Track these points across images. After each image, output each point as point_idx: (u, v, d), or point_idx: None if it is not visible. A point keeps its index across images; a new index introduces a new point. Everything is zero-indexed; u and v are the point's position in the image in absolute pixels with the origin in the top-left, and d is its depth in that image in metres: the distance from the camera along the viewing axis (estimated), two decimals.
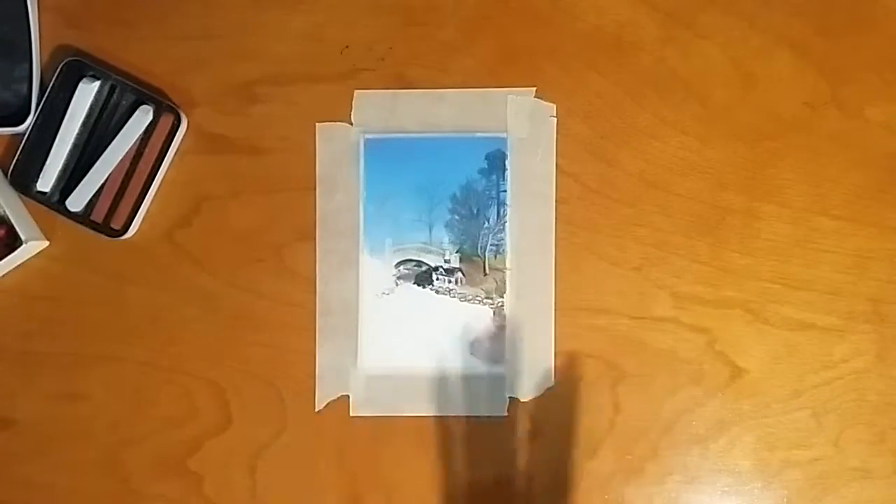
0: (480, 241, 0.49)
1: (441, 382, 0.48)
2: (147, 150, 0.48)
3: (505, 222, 0.49)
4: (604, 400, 0.49)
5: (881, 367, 0.49)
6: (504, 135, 0.49)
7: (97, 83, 0.48)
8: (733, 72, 0.49)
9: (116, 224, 0.48)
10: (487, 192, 0.49)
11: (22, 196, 0.48)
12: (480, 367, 0.48)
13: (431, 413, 0.48)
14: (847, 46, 0.49)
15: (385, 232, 0.49)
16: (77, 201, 0.48)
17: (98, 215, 0.48)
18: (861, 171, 0.49)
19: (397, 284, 0.49)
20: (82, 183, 0.47)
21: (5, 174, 0.48)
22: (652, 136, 0.49)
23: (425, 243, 0.49)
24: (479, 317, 0.48)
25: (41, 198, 0.48)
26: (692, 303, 0.49)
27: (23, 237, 0.46)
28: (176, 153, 0.49)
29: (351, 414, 0.48)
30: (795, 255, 0.49)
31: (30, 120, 0.47)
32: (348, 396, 0.48)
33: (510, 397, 0.49)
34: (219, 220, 0.49)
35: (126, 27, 0.49)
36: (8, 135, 0.48)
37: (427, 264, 0.49)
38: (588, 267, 0.49)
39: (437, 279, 0.49)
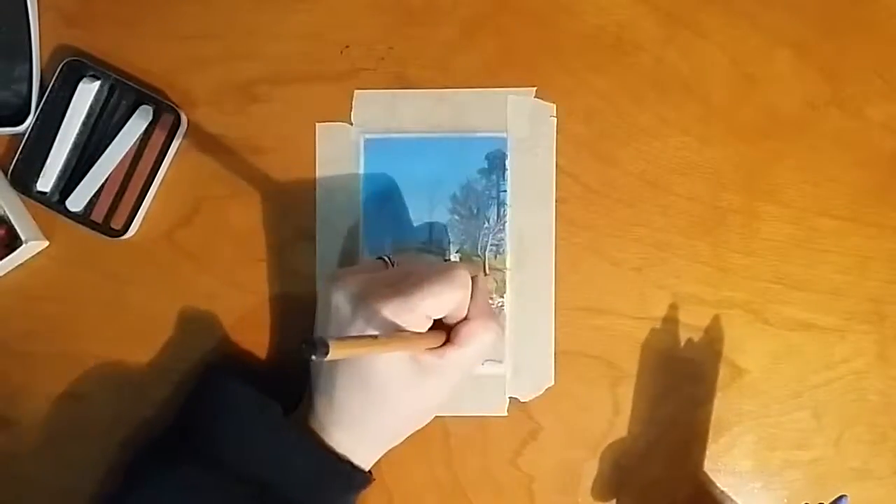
0: (480, 241, 0.49)
1: None
2: (147, 150, 0.48)
3: (505, 222, 0.49)
4: (604, 400, 0.49)
5: (881, 367, 0.49)
6: (504, 135, 0.49)
7: (97, 83, 0.48)
8: (733, 72, 0.49)
9: (116, 224, 0.48)
10: (487, 192, 0.49)
11: (22, 196, 0.48)
12: (480, 367, 0.48)
13: None
14: (847, 46, 0.49)
15: (385, 232, 0.49)
16: (77, 201, 0.48)
17: (98, 215, 0.48)
18: (861, 171, 0.49)
19: None
20: (82, 183, 0.48)
21: (5, 174, 0.48)
22: (652, 136, 0.49)
23: (425, 243, 0.49)
24: None
25: (41, 198, 0.48)
26: (692, 303, 0.49)
27: (23, 237, 0.46)
28: (176, 153, 0.49)
29: None
30: (795, 255, 0.49)
31: (30, 120, 0.47)
32: None
33: (510, 397, 0.49)
34: (219, 220, 0.49)
35: (126, 27, 0.49)
36: (8, 135, 0.48)
37: None
38: (588, 267, 0.49)
39: None
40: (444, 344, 0.41)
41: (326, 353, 0.32)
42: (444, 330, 0.42)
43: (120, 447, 0.48)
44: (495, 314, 0.43)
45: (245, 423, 0.42)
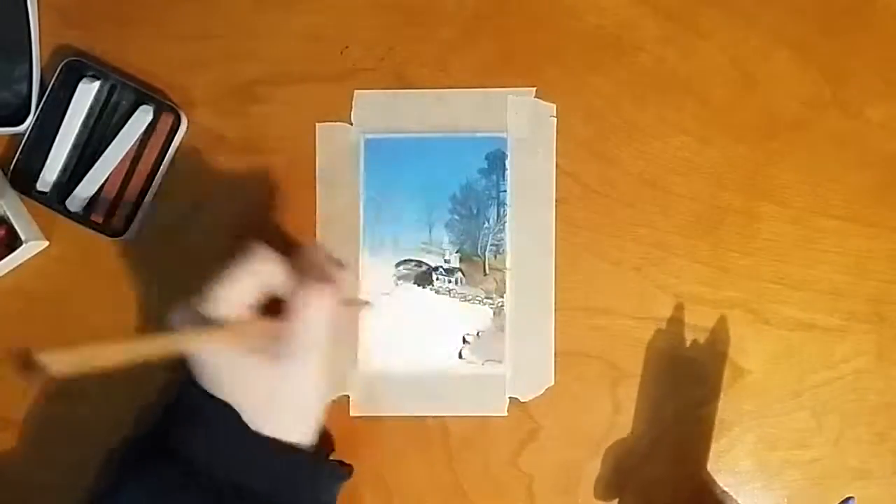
0: (480, 241, 0.49)
1: (441, 382, 0.48)
2: (147, 150, 0.48)
3: (505, 222, 0.49)
4: (604, 400, 0.49)
5: (881, 367, 0.49)
6: (504, 135, 0.49)
7: (97, 83, 0.48)
8: (733, 72, 0.49)
9: (116, 224, 0.48)
10: (487, 192, 0.49)
11: (22, 196, 0.48)
12: (480, 368, 0.48)
13: (431, 413, 0.48)
14: (847, 46, 0.49)
15: (385, 232, 0.49)
16: (77, 201, 0.48)
17: (98, 215, 0.48)
18: (861, 171, 0.49)
19: (397, 284, 0.49)
20: (82, 183, 0.47)
21: (5, 174, 0.48)
22: (652, 136, 0.49)
23: (425, 243, 0.49)
24: (479, 317, 0.48)
25: (41, 198, 0.48)
26: (692, 303, 0.49)
27: (23, 237, 0.46)
28: (176, 153, 0.49)
29: (351, 414, 0.48)
30: (795, 255, 0.49)
31: (30, 120, 0.47)
32: (348, 396, 0.48)
33: (510, 397, 0.49)
34: (218, 220, 0.49)
35: (126, 27, 0.49)
36: (8, 135, 0.48)
37: (427, 264, 0.49)
38: (588, 267, 0.49)
39: (437, 279, 0.49)
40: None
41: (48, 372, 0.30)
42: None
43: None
44: (331, 280, 0.42)
45: (210, 429, 0.42)
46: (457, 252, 0.49)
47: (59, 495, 0.48)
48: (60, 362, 0.31)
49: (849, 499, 0.41)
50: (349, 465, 0.44)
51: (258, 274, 0.41)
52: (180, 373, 0.47)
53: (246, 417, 0.41)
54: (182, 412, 0.43)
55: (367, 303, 0.48)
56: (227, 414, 0.42)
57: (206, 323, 0.39)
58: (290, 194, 0.49)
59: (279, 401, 0.41)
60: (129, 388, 0.48)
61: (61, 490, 0.48)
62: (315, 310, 0.41)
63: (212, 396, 0.42)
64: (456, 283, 0.49)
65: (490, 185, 0.49)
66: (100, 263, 0.49)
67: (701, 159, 0.49)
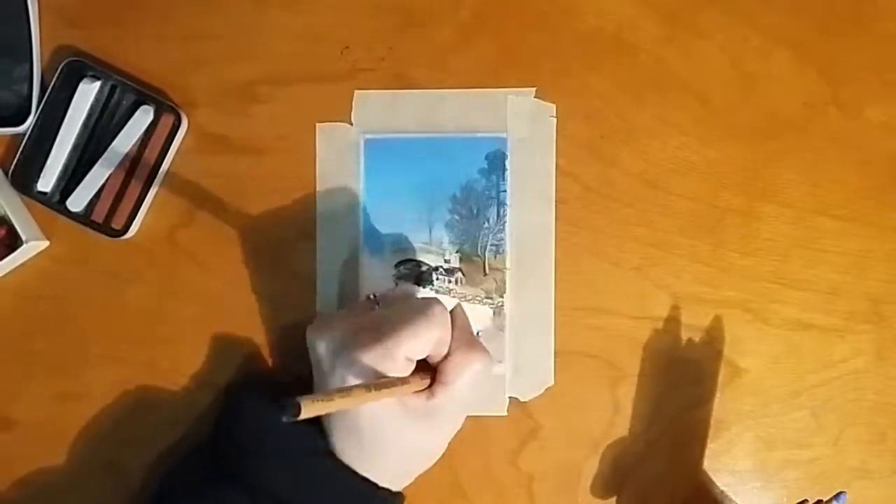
0: (480, 241, 0.49)
1: None
2: (147, 150, 0.48)
3: (505, 222, 0.49)
4: (604, 400, 0.49)
5: (881, 367, 0.49)
6: (504, 135, 0.49)
7: (98, 83, 0.48)
8: (733, 72, 0.49)
9: (117, 224, 0.48)
10: (487, 192, 0.49)
11: (22, 196, 0.48)
12: None
13: None
14: (847, 46, 0.49)
15: (385, 232, 0.49)
16: (77, 201, 0.48)
17: (98, 215, 0.48)
18: (861, 171, 0.49)
19: (397, 284, 0.49)
20: (83, 183, 0.48)
21: (6, 174, 0.48)
22: (652, 136, 0.49)
23: (425, 243, 0.49)
24: (479, 317, 0.48)
25: (42, 198, 0.48)
26: (692, 303, 0.49)
27: (23, 237, 0.47)
28: (176, 153, 0.49)
29: None
30: (795, 255, 0.49)
31: (30, 120, 0.47)
32: None
33: (510, 397, 0.49)
34: (219, 220, 0.49)
35: (126, 27, 0.49)
36: (8, 135, 0.48)
37: (427, 264, 0.49)
38: (588, 267, 0.49)
39: (437, 279, 0.49)
40: (431, 384, 0.41)
41: (297, 415, 0.31)
42: (430, 369, 0.42)
43: (120, 447, 0.48)
44: (480, 342, 0.43)
45: (281, 450, 0.41)
46: (457, 252, 0.49)
47: (61, 495, 0.48)
48: (311, 408, 0.32)
49: (840, 493, 0.41)
50: (401, 494, 0.44)
51: (437, 338, 0.41)
52: (234, 388, 0.47)
53: (352, 454, 0.41)
54: (246, 434, 0.42)
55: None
56: (300, 434, 0.41)
57: (373, 374, 0.39)
58: (290, 194, 0.49)
59: (404, 452, 0.42)
60: (131, 388, 0.49)
61: (62, 490, 0.48)
62: (474, 375, 0.41)
63: (281, 419, 0.42)
64: (456, 283, 0.49)
65: (490, 185, 0.49)
66: (100, 263, 0.49)
67: (701, 159, 0.49)
